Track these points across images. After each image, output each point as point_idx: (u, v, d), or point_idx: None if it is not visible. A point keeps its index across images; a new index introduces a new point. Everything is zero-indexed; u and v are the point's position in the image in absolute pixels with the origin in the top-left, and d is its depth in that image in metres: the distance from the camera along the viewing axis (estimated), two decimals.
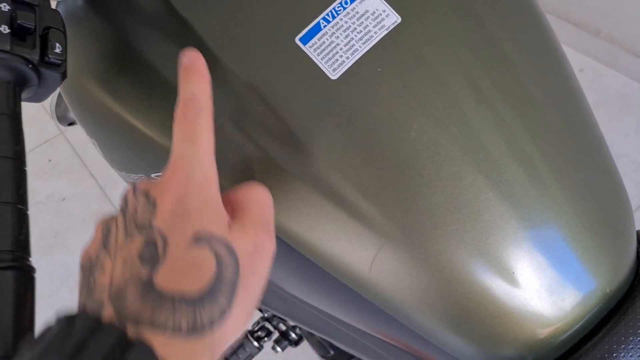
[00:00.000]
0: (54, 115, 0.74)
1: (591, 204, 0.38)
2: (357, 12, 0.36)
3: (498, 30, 0.38)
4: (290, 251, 0.39)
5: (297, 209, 0.37)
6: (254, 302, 0.29)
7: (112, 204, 1.51)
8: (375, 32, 0.36)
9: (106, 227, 0.29)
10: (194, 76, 0.31)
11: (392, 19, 0.36)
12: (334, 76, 0.36)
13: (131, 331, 0.24)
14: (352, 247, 0.37)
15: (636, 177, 1.31)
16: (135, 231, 0.27)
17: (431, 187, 0.36)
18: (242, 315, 0.28)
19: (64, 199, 1.55)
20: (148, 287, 0.25)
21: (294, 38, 0.36)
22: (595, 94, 1.49)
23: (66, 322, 0.24)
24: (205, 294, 0.26)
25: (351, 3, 0.36)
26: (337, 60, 0.36)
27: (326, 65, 0.36)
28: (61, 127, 1.62)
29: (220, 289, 0.26)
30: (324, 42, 0.36)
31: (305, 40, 0.36)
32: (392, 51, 0.36)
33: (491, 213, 0.36)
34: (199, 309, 0.25)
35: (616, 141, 1.39)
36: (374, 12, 0.36)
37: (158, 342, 0.24)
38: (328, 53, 0.36)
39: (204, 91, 0.31)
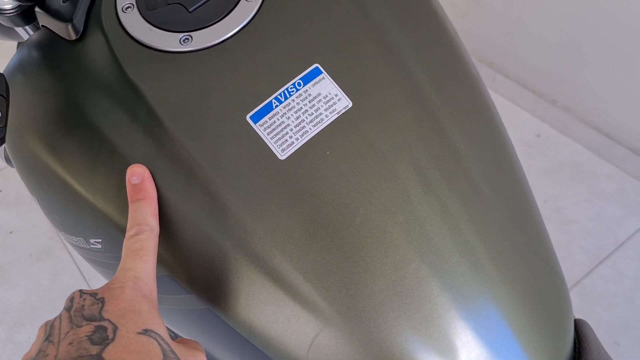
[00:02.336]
0: (2, 154, 0.71)
1: (532, 296, 0.38)
2: (309, 95, 0.36)
3: (449, 122, 0.38)
4: (226, 328, 0.38)
5: (237, 287, 0.36)
6: None
7: (60, 240, 1.46)
8: (327, 116, 0.36)
9: (49, 325, 0.31)
10: (144, 199, 0.36)
11: (344, 103, 0.37)
12: (282, 156, 0.36)
13: None
14: (291, 329, 0.36)
15: (585, 244, 1.35)
16: (84, 321, 0.29)
17: (374, 274, 0.36)
18: None
19: (11, 232, 1.49)
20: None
21: (245, 116, 0.36)
22: (550, 161, 1.54)
23: None
24: None
25: (304, 85, 0.37)
26: (286, 140, 0.36)
27: (275, 145, 0.36)
28: None
29: None
30: (274, 122, 0.36)
31: (256, 118, 0.36)
32: (342, 135, 0.36)
33: (432, 303, 0.36)
34: None
35: (567, 207, 1.43)
36: (327, 96, 0.36)
37: None
38: (278, 133, 0.36)
39: (153, 213, 0.36)
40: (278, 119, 0.36)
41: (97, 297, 0.31)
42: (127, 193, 0.36)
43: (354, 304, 0.36)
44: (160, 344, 0.30)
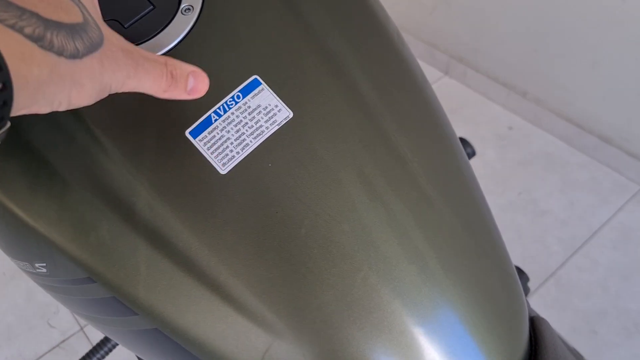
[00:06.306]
0: None
1: (484, 298, 0.38)
2: (249, 107, 0.36)
3: (393, 127, 0.38)
4: (176, 347, 0.37)
5: (184, 305, 0.36)
6: (104, 84, 0.29)
7: None
8: (267, 127, 0.36)
9: None
10: None
11: (284, 114, 0.36)
12: (223, 171, 0.35)
13: None
14: (241, 345, 0.36)
15: (559, 234, 1.36)
16: None
17: (322, 285, 0.35)
18: (89, 79, 0.28)
19: None
20: None
21: (185, 131, 0.35)
22: (523, 152, 1.55)
23: None
24: (63, 26, 0.25)
25: (243, 97, 0.36)
26: (227, 154, 0.35)
27: (216, 160, 0.35)
28: None
29: (80, 35, 0.26)
30: (214, 136, 0.35)
31: (195, 133, 0.35)
32: (283, 146, 0.36)
33: (383, 311, 0.36)
34: (51, 30, 0.25)
35: (541, 199, 1.44)
36: (266, 107, 0.36)
37: None
38: (218, 147, 0.35)
39: None
40: (218, 133, 0.35)
41: None
42: None
43: (304, 317, 0.35)
44: (83, 12, 0.27)
